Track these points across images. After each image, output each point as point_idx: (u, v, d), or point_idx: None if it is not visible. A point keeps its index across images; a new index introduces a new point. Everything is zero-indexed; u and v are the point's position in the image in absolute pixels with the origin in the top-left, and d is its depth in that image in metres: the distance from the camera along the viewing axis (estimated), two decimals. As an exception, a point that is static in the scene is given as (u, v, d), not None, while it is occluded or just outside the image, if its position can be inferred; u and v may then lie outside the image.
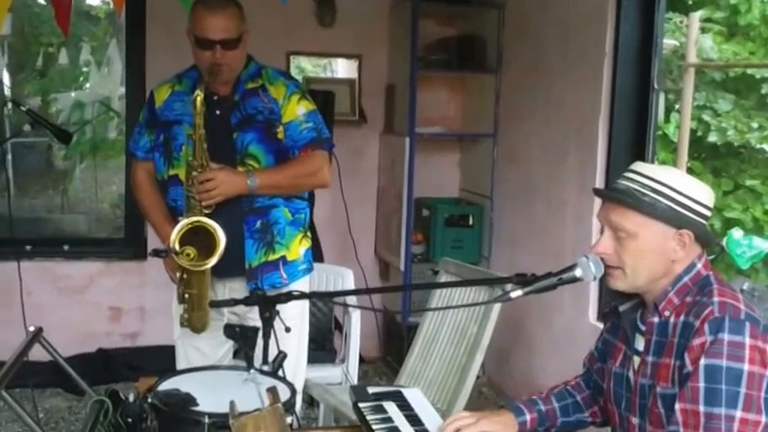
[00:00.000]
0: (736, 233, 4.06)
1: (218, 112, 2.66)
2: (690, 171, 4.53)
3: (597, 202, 3.56)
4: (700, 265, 1.69)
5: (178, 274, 2.60)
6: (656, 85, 3.43)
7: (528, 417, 1.90)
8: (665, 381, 1.64)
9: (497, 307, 3.01)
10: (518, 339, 4.15)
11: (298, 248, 2.79)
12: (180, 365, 2.88)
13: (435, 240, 4.56)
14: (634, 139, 3.47)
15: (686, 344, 1.59)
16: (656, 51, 3.40)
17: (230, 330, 1.82)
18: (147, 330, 4.50)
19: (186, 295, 2.62)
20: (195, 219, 2.53)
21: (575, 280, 1.72)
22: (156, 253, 2.47)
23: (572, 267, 1.72)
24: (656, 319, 1.69)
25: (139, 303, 4.51)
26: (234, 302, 2.14)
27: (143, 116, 2.82)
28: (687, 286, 1.67)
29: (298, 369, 2.88)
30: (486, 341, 2.99)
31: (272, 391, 1.49)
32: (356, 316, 3.47)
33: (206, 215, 2.55)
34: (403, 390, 2.21)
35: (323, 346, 3.63)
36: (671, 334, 1.66)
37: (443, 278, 3.36)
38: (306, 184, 2.78)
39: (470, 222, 4.58)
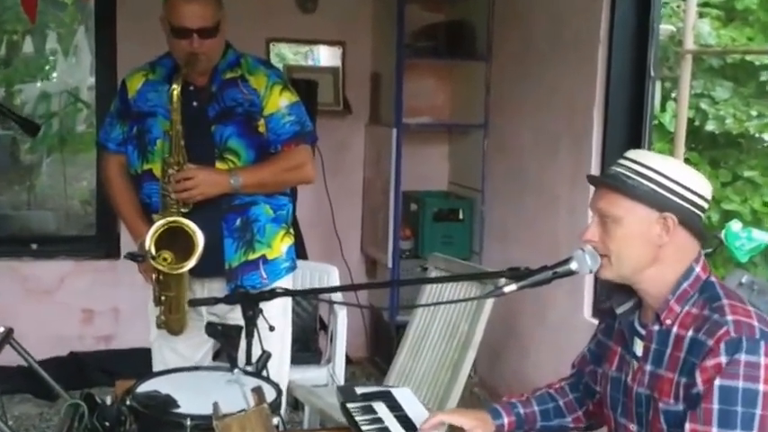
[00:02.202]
0: (735, 225, 4.10)
1: (194, 103, 2.66)
2: (687, 162, 4.56)
3: (591, 193, 3.60)
4: (698, 269, 1.69)
5: (154, 276, 2.60)
6: (652, 73, 3.46)
7: (505, 420, 1.91)
8: (667, 396, 1.65)
9: (489, 303, 3.04)
10: (510, 337, 4.18)
11: (279, 246, 2.79)
12: (157, 368, 2.87)
13: (424, 236, 4.58)
14: (630, 129, 3.49)
15: (696, 363, 1.59)
16: (652, 37, 3.42)
17: (212, 329, 1.83)
18: (121, 333, 4.49)
19: (163, 297, 2.63)
20: (171, 219, 2.53)
21: (570, 273, 1.74)
22: (132, 257, 2.47)
23: (567, 260, 1.75)
24: (656, 327, 1.70)
25: (113, 304, 4.50)
26: (215, 301, 2.15)
27: (114, 106, 2.81)
28: (687, 292, 1.68)
29: (281, 370, 2.88)
30: (478, 338, 3.02)
31: (258, 391, 1.50)
32: (342, 315, 3.48)
33: (184, 214, 2.56)
34: (392, 389, 2.24)
35: (307, 347, 3.64)
36: (674, 346, 1.67)
37: (433, 274, 3.38)
38: (290, 180, 2.79)
39: (460, 217, 4.60)
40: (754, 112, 5.25)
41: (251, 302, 2.03)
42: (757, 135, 5.71)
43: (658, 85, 3.86)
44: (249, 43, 2.78)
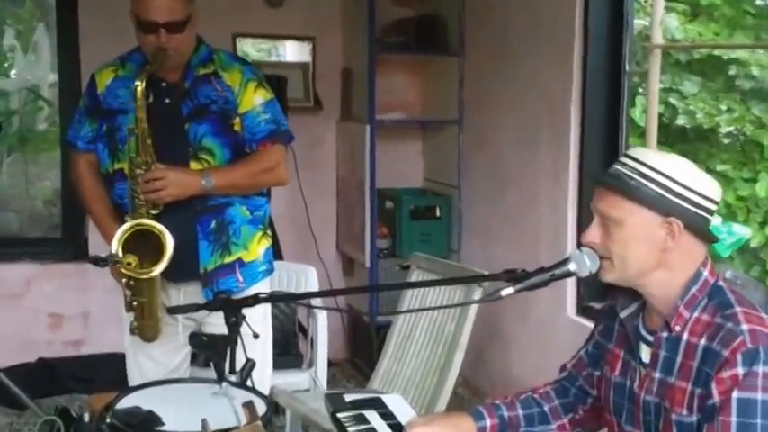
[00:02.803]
0: (715, 220, 4.10)
1: (167, 100, 2.56)
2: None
3: (572, 189, 3.56)
4: (706, 273, 1.63)
5: (124, 281, 2.50)
6: (627, 68, 3.42)
7: (488, 422, 1.83)
8: (679, 406, 1.59)
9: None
10: (493, 336, 4.12)
11: (256, 248, 2.70)
12: (131, 375, 2.80)
13: (402, 234, 4.51)
14: (607, 124, 3.46)
15: (711, 373, 1.54)
16: (626, 31, 3.40)
17: (197, 340, 1.73)
18: (91, 338, 4.36)
19: (134, 303, 2.53)
20: (137, 222, 2.43)
21: (569, 274, 1.67)
22: (95, 261, 2.36)
23: (565, 261, 1.67)
24: (664, 334, 1.64)
25: (82, 308, 4.37)
26: (196, 308, 2.06)
27: (83, 103, 2.69)
28: (696, 297, 1.62)
29: (263, 377, 2.79)
30: (465, 339, 2.96)
31: (249, 406, 1.41)
32: (323, 317, 3.41)
33: (154, 216, 2.46)
34: (382, 396, 2.16)
35: (287, 351, 3.55)
36: (685, 354, 1.61)
37: (415, 274, 3.31)
38: (263, 182, 2.69)
39: (437, 214, 4.54)
40: (723, 107, 5.26)
41: (234, 309, 1.93)
42: (725, 130, 5.74)
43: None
44: (215, 39, 2.67)
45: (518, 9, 3.86)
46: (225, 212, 2.61)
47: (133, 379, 2.79)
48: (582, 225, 3.54)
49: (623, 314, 1.73)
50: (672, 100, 5.38)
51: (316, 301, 3.72)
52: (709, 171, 5.72)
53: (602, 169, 3.47)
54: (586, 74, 3.42)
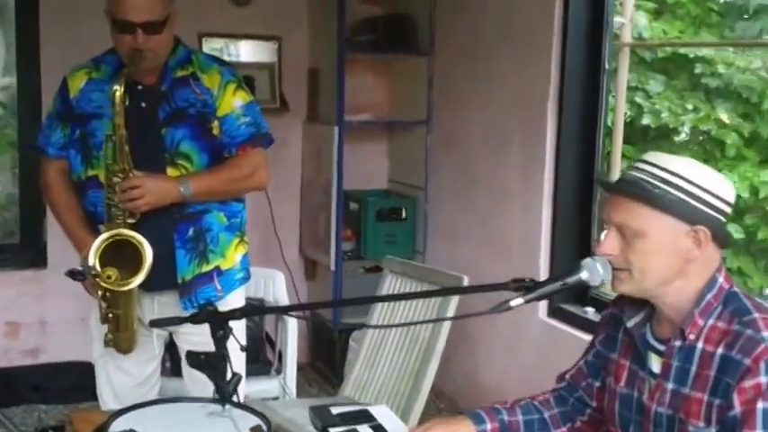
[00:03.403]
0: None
1: (143, 104, 2.48)
2: (623, 157, 4.59)
3: (548, 189, 3.56)
4: (721, 279, 1.59)
5: (100, 292, 2.42)
6: (606, 66, 3.43)
7: (489, 426, 1.80)
8: (696, 417, 1.55)
9: (452, 307, 2.94)
10: (459, 338, 4.10)
11: (233, 255, 2.65)
12: (101, 388, 2.72)
13: (367, 236, 4.47)
14: (584, 123, 3.46)
15: (732, 383, 1.49)
16: (606, 30, 3.40)
17: (195, 359, 1.67)
18: (49, 346, 4.23)
19: (110, 315, 2.45)
20: (115, 232, 2.35)
21: (581, 284, 1.61)
22: (73, 275, 2.28)
23: (577, 269, 1.61)
24: (677, 343, 1.59)
25: (39, 316, 4.23)
26: (180, 321, 1.99)
27: (54, 107, 2.59)
28: (711, 304, 1.58)
29: (239, 388, 2.75)
30: (441, 346, 2.92)
31: (258, 430, 1.37)
32: (293, 325, 3.37)
33: (130, 225, 2.38)
34: (369, 408, 2.13)
35: (257, 358, 3.49)
36: (700, 364, 1.56)
37: (388, 278, 3.26)
38: (243, 187, 2.64)
39: (403, 215, 4.51)
40: (689, 106, 5.33)
41: (221, 322, 1.88)
42: (681, 129, 5.81)
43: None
44: (181, 38, 2.61)
45: (492, 8, 3.84)
46: (202, 220, 2.55)
47: (103, 391, 2.72)
48: (557, 225, 3.55)
49: (630, 323, 1.69)
50: (638, 99, 5.43)
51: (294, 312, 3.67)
52: (672, 170, 5.81)
53: (578, 169, 3.54)
54: (564, 73, 3.42)
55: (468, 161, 4.09)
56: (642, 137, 5.74)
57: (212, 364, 1.60)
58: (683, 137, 5.84)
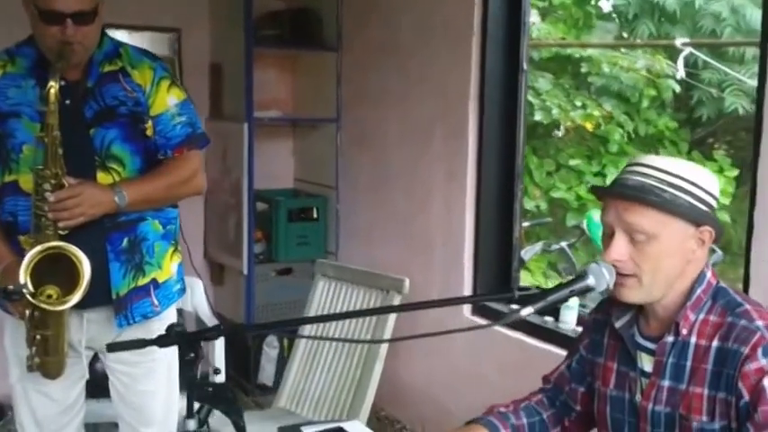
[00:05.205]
0: (596, 216, 4.22)
1: (67, 101, 2.19)
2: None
3: (470, 187, 3.49)
4: (709, 274, 1.61)
5: (27, 312, 2.13)
6: (524, 66, 3.41)
7: None
8: (698, 413, 1.54)
9: (392, 316, 2.83)
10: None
11: (169, 266, 2.41)
12: (21, 416, 2.42)
13: (278, 237, 4.27)
14: (504, 121, 3.43)
15: (733, 373, 1.49)
16: (524, 30, 3.37)
17: (202, 393, 1.45)
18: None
19: (38, 337, 2.17)
20: (50, 245, 2.08)
21: (588, 290, 1.56)
22: (8, 295, 2.00)
23: (583, 276, 1.56)
24: (670, 339, 1.58)
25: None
26: (144, 344, 1.76)
27: None
28: (701, 299, 1.58)
29: (170, 408, 2.52)
30: (383, 350, 2.81)
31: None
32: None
33: (62, 236, 2.12)
34: (342, 424, 1.99)
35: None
36: (695, 358, 1.56)
37: (320, 283, 3.10)
38: (181, 193, 2.40)
39: (315, 216, 4.34)
40: (578, 103, 5.45)
41: (191, 343, 1.67)
42: (570, 125, 5.95)
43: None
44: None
45: (409, 6, 3.73)
46: (137, 229, 2.30)
47: (23, 420, 2.42)
48: (480, 222, 3.49)
49: (618, 324, 1.68)
50: (529, 97, 5.50)
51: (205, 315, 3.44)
52: (561, 166, 5.94)
53: (500, 166, 3.49)
54: (485, 71, 3.36)
55: (384, 159, 3.97)
56: (532, 133, 5.83)
57: (220, 396, 1.38)
58: (567, 134, 5.98)
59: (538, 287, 1.62)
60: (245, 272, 4.12)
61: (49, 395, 2.38)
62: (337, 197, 4.30)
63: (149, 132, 2.29)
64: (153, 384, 2.44)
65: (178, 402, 2.56)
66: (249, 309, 4.15)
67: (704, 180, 1.57)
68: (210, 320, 3.37)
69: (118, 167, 2.25)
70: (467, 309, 3.55)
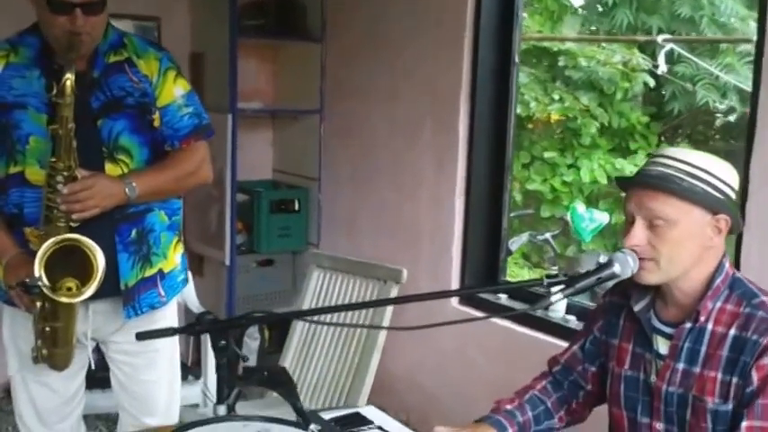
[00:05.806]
0: (579, 207, 4.31)
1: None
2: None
3: (460, 180, 3.54)
4: (727, 265, 1.70)
5: (39, 304, 2.13)
6: (516, 60, 3.46)
7: (510, 431, 1.84)
8: (711, 395, 1.63)
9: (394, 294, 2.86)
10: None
11: (174, 256, 2.44)
12: (20, 407, 2.42)
13: (260, 229, 4.28)
14: (495, 114, 3.48)
15: (749, 361, 1.59)
16: (516, 23, 3.43)
17: (257, 376, 1.45)
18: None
19: (47, 329, 2.17)
20: (64, 237, 2.08)
21: (614, 277, 1.65)
22: (27, 288, 1.99)
23: (609, 264, 1.65)
24: (688, 325, 1.68)
25: None
26: (174, 332, 1.79)
27: None
28: (719, 288, 1.67)
29: (173, 398, 2.54)
30: (382, 339, 2.83)
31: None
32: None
33: (73, 228, 2.12)
34: (359, 410, 2.06)
35: (177, 364, 3.24)
36: (711, 344, 1.65)
37: (315, 274, 3.12)
38: (188, 184, 2.41)
39: (296, 207, 4.36)
40: (556, 96, 5.53)
41: (222, 331, 1.69)
42: (545, 118, 6.04)
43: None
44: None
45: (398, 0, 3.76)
46: (145, 220, 2.31)
47: (23, 411, 2.42)
48: (469, 214, 3.55)
49: (637, 307, 1.77)
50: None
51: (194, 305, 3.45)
52: (535, 158, 6.03)
53: (490, 159, 3.55)
54: (477, 65, 3.41)
55: (369, 151, 4.00)
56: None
57: (277, 381, 1.39)
58: (543, 127, 6.07)
59: (565, 274, 1.68)
60: (228, 262, 4.12)
61: (49, 386, 2.38)
62: (320, 188, 4.32)
63: (156, 123, 2.29)
64: (155, 374, 2.46)
65: (180, 391, 2.59)
66: (231, 300, 4.16)
67: (721, 170, 1.67)
68: (198, 311, 3.37)
69: (126, 159, 2.25)
70: (455, 299, 3.61)
